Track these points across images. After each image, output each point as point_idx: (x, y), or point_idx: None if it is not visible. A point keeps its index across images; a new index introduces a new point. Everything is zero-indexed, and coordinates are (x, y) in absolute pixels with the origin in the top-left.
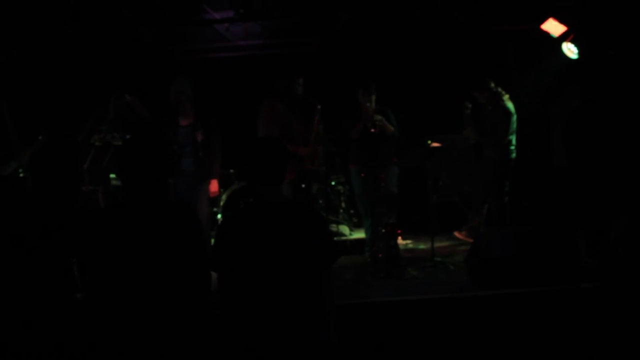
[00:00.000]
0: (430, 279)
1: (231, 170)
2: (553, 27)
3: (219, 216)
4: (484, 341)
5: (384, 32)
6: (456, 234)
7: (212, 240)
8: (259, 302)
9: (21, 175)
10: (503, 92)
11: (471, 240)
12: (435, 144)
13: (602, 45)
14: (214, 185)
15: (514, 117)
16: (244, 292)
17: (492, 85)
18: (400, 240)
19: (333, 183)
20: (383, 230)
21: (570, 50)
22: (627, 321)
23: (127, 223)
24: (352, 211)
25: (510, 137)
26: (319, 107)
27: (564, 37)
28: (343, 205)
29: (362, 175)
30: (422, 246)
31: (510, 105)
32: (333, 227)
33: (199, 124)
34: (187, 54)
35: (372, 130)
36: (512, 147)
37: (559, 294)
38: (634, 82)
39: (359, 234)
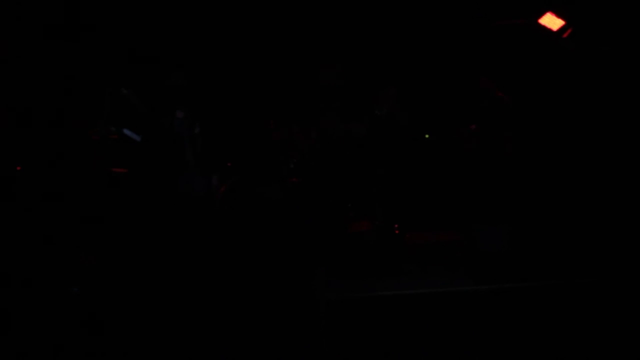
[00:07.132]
0: (426, 273)
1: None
2: (551, 21)
3: None
4: (480, 335)
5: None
6: None
7: None
8: None
9: None
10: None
11: None
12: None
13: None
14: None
15: None
16: None
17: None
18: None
19: None
20: (378, 224)
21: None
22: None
23: None
24: (349, 204)
25: None
26: None
27: (562, 31)
28: None
29: None
30: (418, 240)
31: None
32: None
33: (196, 115)
34: None
35: None
36: None
37: (553, 289)
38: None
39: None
